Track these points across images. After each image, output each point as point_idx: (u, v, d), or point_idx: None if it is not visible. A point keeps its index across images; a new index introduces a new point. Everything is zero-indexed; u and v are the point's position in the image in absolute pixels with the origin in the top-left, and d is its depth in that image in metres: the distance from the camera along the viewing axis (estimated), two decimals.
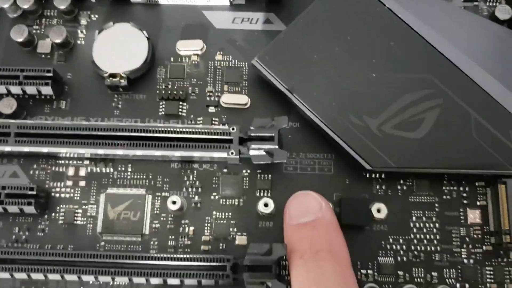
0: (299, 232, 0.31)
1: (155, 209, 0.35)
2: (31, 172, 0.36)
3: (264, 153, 0.34)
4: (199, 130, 0.34)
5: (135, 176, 0.36)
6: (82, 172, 0.36)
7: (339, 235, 0.32)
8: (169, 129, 0.34)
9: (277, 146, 0.33)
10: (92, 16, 0.39)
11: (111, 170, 0.36)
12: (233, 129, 0.34)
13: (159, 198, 0.35)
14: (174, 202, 0.34)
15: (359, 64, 0.35)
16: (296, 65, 0.35)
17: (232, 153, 0.34)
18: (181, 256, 0.32)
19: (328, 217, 0.32)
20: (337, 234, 0.32)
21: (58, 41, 0.37)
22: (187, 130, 0.34)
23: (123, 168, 0.36)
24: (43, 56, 0.38)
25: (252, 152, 0.34)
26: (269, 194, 0.35)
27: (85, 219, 0.35)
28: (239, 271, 0.32)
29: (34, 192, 0.33)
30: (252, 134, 0.34)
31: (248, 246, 0.31)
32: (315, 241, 0.30)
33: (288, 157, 0.36)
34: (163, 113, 0.37)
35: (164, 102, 0.37)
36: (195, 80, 0.37)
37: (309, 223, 0.31)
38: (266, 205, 0.34)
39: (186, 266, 0.32)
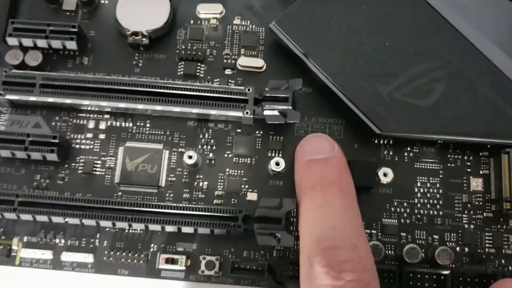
0: (312, 167, 0.33)
1: (172, 163, 0.36)
2: (53, 123, 0.37)
3: (278, 113, 0.35)
4: (216, 89, 0.36)
5: (153, 132, 0.37)
6: (102, 126, 0.37)
7: (348, 173, 0.33)
8: (187, 87, 0.35)
9: (290, 107, 0.35)
10: None
11: (130, 124, 0.37)
12: (248, 89, 0.36)
13: (176, 153, 0.37)
14: (190, 157, 0.35)
15: (373, 32, 0.36)
16: (312, 31, 0.36)
17: (247, 112, 0.35)
18: (196, 206, 0.34)
19: (340, 156, 0.33)
20: (346, 172, 0.33)
21: None
22: (205, 88, 0.36)
23: (142, 123, 0.37)
24: (68, 13, 0.39)
25: (266, 112, 0.35)
26: (280, 155, 0.37)
27: (103, 170, 0.36)
28: (249, 222, 0.33)
29: (57, 141, 0.35)
30: (267, 95, 0.35)
31: (259, 201, 0.33)
32: (326, 175, 0.32)
33: (300, 120, 0.37)
34: (181, 73, 0.38)
35: (183, 63, 0.38)
36: (213, 42, 0.39)
37: (322, 159, 0.33)
38: (277, 164, 0.36)
39: (200, 215, 0.34)
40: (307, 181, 0.32)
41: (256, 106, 0.35)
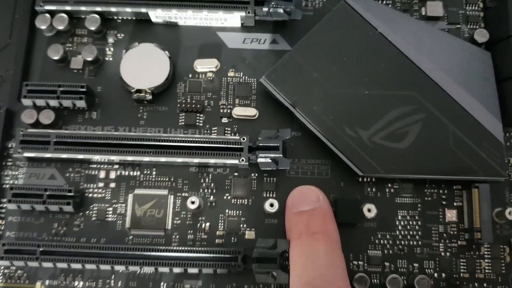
0: (299, 217, 0.37)
1: (176, 207, 0.40)
2: (67, 174, 0.41)
3: (270, 160, 0.39)
4: (214, 140, 0.39)
5: (159, 179, 0.41)
6: (112, 175, 0.41)
7: (333, 222, 0.37)
8: (188, 139, 0.39)
9: (281, 155, 0.39)
10: (118, 35, 0.44)
11: (138, 173, 0.41)
12: (243, 139, 0.40)
13: (180, 197, 0.41)
14: (193, 202, 0.39)
15: (353, 82, 0.40)
16: (298, 83, 0.40)
17: (242, 160, 0.39)
18: (199, 248, 0.38)
19: (325, 207, 0.37)
20: (331, 221, 0.37)
21: (89, 58, 0.42)
22: (204, 140, 0.39)
23: (148, 172, 0.41)
24: (75, 71, 0.43)
25: (259, 160, 0.39)
26: (274, 195, 0.41)
27: (115, 216, 0.40)
28: (248, 261, 0.37)
29: (72, 193, 0.39)
30: (260, 144, 0.39)
31: (256, 241, 0.37)
32: (312, 225, 0.36)
33: (290, 163, 0.41)
34: (182, 123, 0.42)
35: (183, 114, 0.42)
36: (210, 94, 0.43)
37: (308, 210, 0.37)
38: (271, 205, 0.40)
39: (204, 257, 0.37)
40: (294, 230, 0.36)
41: (250, 153, 0.39)
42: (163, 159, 0.39)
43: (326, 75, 0.40)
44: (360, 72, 0.40)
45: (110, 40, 0.44)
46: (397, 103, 0.40)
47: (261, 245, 0.37)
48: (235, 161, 0.39)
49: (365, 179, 0.41)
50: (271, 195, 0.41)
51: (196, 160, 0.39)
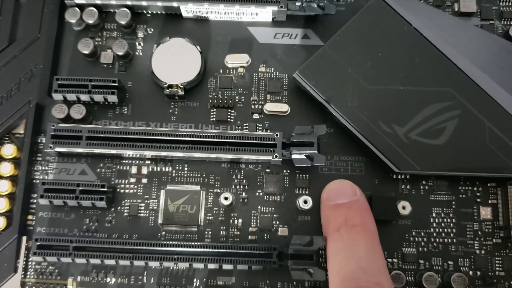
0: (336, 210, 0.36)
1: (209, 203, 0.40)
2: (98, 170, 0.41)
3: (305, 157, 0.38)
4: (248, 136, 0.39)
5: (191, 174, 0.40)
6: (144, 171, 0.41)
7: (371, 215, 0.37)
8: (221, 135, 0.39)
9: (316, 151, 0.38)
10: (148, 29, 0.43)
11: (170, 169, 0.41)
12: (277, 135, 0.39)
13: (212, 194, 0.40)
14: (226, 198, 0.39)
15: (388, 77, 0.40)
16: (332, 78, 0.40)
17: (276, 156, 0.39)
18: (234, 244, 0.37)
19: (362, 200, 0.37)
20: (369, 214, 0.37)
21: (120, 53, 0.41)
22: (238, 135, 0.39)
23: (180, 167, 0.41)
24: (105, 66, 0.43)
25: (294, 156, 0.39)
26: (306, 192, 0.40)
27: (147, 212, 0.40)
28: (283, 258, 0.37)
29: (105, 189, 0.38)
30: (294, 140, 0.39)
31: (289, 238, 0.37)
32: (350, 218, 0.35)
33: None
34: (214, 119, 0.41)
35: (215, 110, 0.42)
36: (241, 90, 0.42)
37: (346, 203, 0.36)
38: (305, 202, 0.39)
39: (238, 253, 0.37)
40: (333, 223, 0.36)
41: (284, 150, 0.39)
42: (195, 154, 0.39)
43: (360, 71, 0.40)
44: (395, 67, 0.40)
45: (140, 34, 0.43)
46: (432, 99, 0.39)
47: (297, 241, 0.36)
48: (269, 157, 0.39)
49: (399, 176, 0.41)
50: (304, 192, 0.40)
51: (229, 157, 0.39)
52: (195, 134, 0.39)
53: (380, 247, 0.35)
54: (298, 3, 0.41)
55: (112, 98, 0.40)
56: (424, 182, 0.41)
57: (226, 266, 0.37)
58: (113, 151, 0.39)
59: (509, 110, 0.40)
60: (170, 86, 0.40)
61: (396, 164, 0.38)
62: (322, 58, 0.40)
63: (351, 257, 0.34)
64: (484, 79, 0.40)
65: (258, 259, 0.37)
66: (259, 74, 0.42)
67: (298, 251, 0.36)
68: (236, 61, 0.42)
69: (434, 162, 0.39)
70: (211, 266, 0.38)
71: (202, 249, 0.37)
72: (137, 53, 0.43)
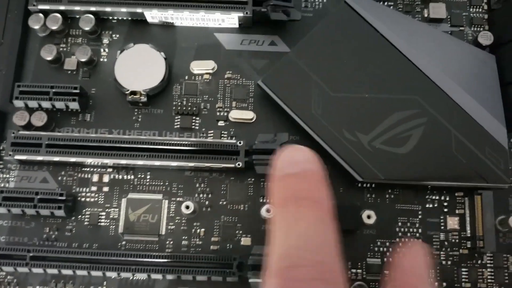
0: (284, 182, 0.29)
1: (171, 212, 0.39)
2: (59, 178, 0.40)
3: (267, 164, 0.38)
4: (210, 143, 0.38)
5: (153, 183, 0.40)
6: (106, 179, 0.40)
7: (325, 187, 0.30)
8: (183, 142, 0.38)
9: None
10: (114, 35, 0.43)
11: (132, 177, 0.40)
12: (240, 143, 0.39)
13: (174, 202, 0.40)
14: (187, 207, 0.38)
15: (353, 85, 0.39)
16: (296, 86, 0.39)
17: (239, 164, 0.38)
18: (193, 254, 0.37)
19: (316, 168, 0.30)
20: (323, 186, 0.30)
21: (83, 59, 0.41)
22: (200, 143, 0.38)
23: (142, 175, 0.40)
24: (69, 72, 0.42)
25: (256, 164, 0.38)
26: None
27: (108, 221, 0.39)
28: (244, 269, 0.36)
29: (64, 198, 0.38)
30: (257, 148, 0.38)
31: (252, 248, 0.36)
32: (300, 190, 0.29)
33: None
34: (178, 126, 0.41)
35: (179, 117, 0.41)
36: (207, 96, 0.42)
37: (296, 173, 0.29)
38: (268, 211, 0.39)
39: (198, 264, 0.36)
40: (277, 197, 0.29)
41: (247, 158, 0.38)
42: (157, 162, 0.38)
43: (325, 78, 0.39)
44: (360, 75, 0.39)
45: (105, 40, 0.43)
46: (398, 107, 0.39)
47: (257, 252, 0.36)
48: (231, 165, 0.38)
49: (364, 185, 0.40)
50: (268, 201, 0.40)
51: (191, 165, 0.38)
52: (157, 141, 0.38)
53: (331, 223, 0.29)
54: (263, 9, 0.40)
55: (74, 105, 0.40)
56: (390, 191, 0.40)
57: (185, 277, 0.37)
58: (73, 159, 0.38)
59: (476, 119, 0.39)
60: (133, 92, 0.40)
61: (360, 172, 0.38)
62: (287, 65, 0.40)
63: (292, 234, 0.27)
64: (452, 86, 0.40)
65: (218, 269, 0.36)
66: (225, 81, 0.42)
67: (258, 261, 0.36)
68: (202, 67, 0.42)
69: (399, 171, 0.38)
70: (170, 277, 0.37)
71: (161, 260, 0.37)
72: (101, 60, 0.42)
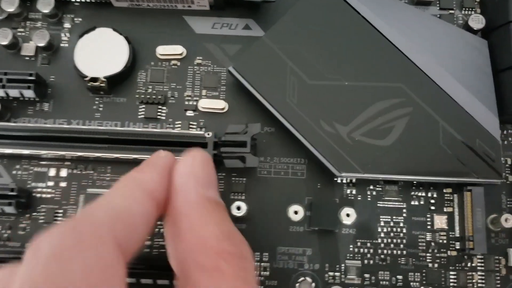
0: None
1: None
2: (14, 172, 0.37)
3: (237, 158, 0.35)
4: (176, 135, 0.35)
5: (115, 178, 0.37)
6: (63, 173, 0.37)
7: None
8: (147, 133, 0.35)
9: (249, 152, 0.34)
10: (76, 19, 0.40)
11: (92, 171, 0.37)
12: (208, 134, 0.35)
13: None
14: None
15: (332, 72, 0.36)
16: (270, 73, 0.36)
17: None
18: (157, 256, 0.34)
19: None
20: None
21: (41, 44, 0.38)
22: (165, 134, 0.35)
23: (103, 170, 0.37)
24: (27, 58, 0.39)
25: (224, 157, 0.35)
26: (243, 197, 0.37)
27: (65, 219, 0.36)
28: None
29: (15, 193, 0.35)
30: (226, 140, 0.35)
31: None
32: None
33: (262, 161, 0.37)
34: (142, 116, 0.38)
35: (144, 106, 0.38)
36: (174, 84, 0.38)
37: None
38: (238, 208, 0.35)
39: (160, 266, 0.33)
40: None
41: (215, 150, 0.35)
42: (119, 155, 0.35)
43: (301, 64, 0.36)
44: (339, 61, 0.36)
45: (67, 25, 0.40)
46: (381, 95, 0.36)
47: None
48: None
49: (344, 180, 0.37)
50: (240, 197, 0.37)
51: None
52: (119, 132, 0.35)
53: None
54: None
55: (29, 93, 0.37)
56: (371, 187, 0.37)
57: (144, 281, 0.34)
58: (27, 152, 0.35)
59: (466, 108, 0.36)
60: (93, 79, 0.37)
61: (337, 166, 0.35)
62: (260, 51, 0.36)
63: None
64: (440, 73, 0.37)
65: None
66: (195, 67, 0.39)
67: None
68: (169, 52, 0.39)
69: (380, 165, 0.35)
70: (128, 280, 0.34)
71: None
72: (62, 45, 0.39)
